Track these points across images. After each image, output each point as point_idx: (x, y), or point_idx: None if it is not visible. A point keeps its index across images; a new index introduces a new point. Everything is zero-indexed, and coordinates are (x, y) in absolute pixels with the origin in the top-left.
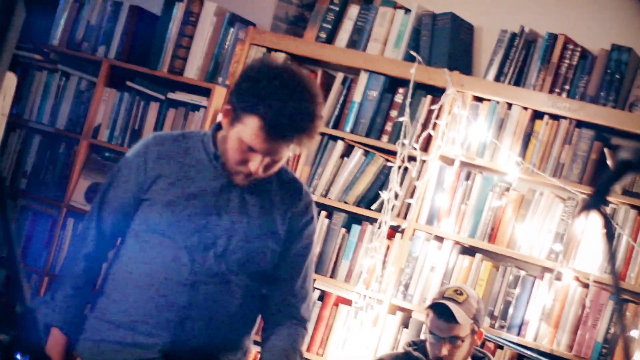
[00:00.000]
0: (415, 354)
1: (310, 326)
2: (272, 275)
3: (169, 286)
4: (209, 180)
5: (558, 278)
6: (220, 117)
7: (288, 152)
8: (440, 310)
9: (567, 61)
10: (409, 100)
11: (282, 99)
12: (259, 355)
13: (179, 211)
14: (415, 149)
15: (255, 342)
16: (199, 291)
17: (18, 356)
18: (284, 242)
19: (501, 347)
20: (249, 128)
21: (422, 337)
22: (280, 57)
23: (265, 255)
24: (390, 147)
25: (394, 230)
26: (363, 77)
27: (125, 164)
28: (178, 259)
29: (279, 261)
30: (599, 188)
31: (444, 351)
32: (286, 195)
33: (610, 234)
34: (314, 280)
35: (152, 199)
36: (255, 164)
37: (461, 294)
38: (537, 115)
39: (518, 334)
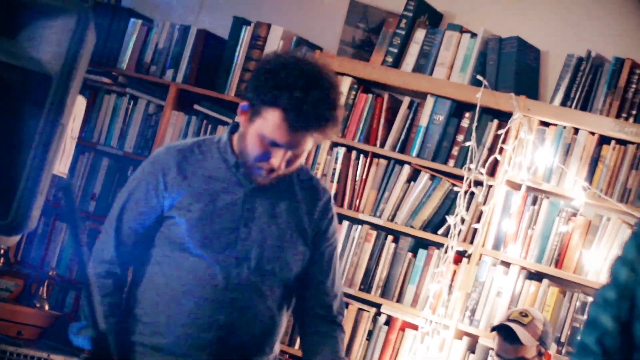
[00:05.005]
0: None
1: (346, 326)
2: (303, 279)
3: (207, 306)
4: (232, 190)
5: None
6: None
7: (310, 144)
8: (505, 333)
9: (634, 86)
10: (475, 124)
11: (303, 88)
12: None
13: (207, 227)
14: (481, 173)
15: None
16: (237, 307)
17: None
18: (312, 243)
19: None
20: (270, 122)
21: None
22: (346, 81)
23: (298, 259)
24: (456, 171)
25: (460, 255)
26: (429, 102)
27: (142, 178)
28: (212, 277)
29: (310, 263)
30: None
31: None
32: (307, 194)
33: None
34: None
35: (176, 217)
36: (278, 159)
37: (526, 315)
38: (604, 140)
39: None
